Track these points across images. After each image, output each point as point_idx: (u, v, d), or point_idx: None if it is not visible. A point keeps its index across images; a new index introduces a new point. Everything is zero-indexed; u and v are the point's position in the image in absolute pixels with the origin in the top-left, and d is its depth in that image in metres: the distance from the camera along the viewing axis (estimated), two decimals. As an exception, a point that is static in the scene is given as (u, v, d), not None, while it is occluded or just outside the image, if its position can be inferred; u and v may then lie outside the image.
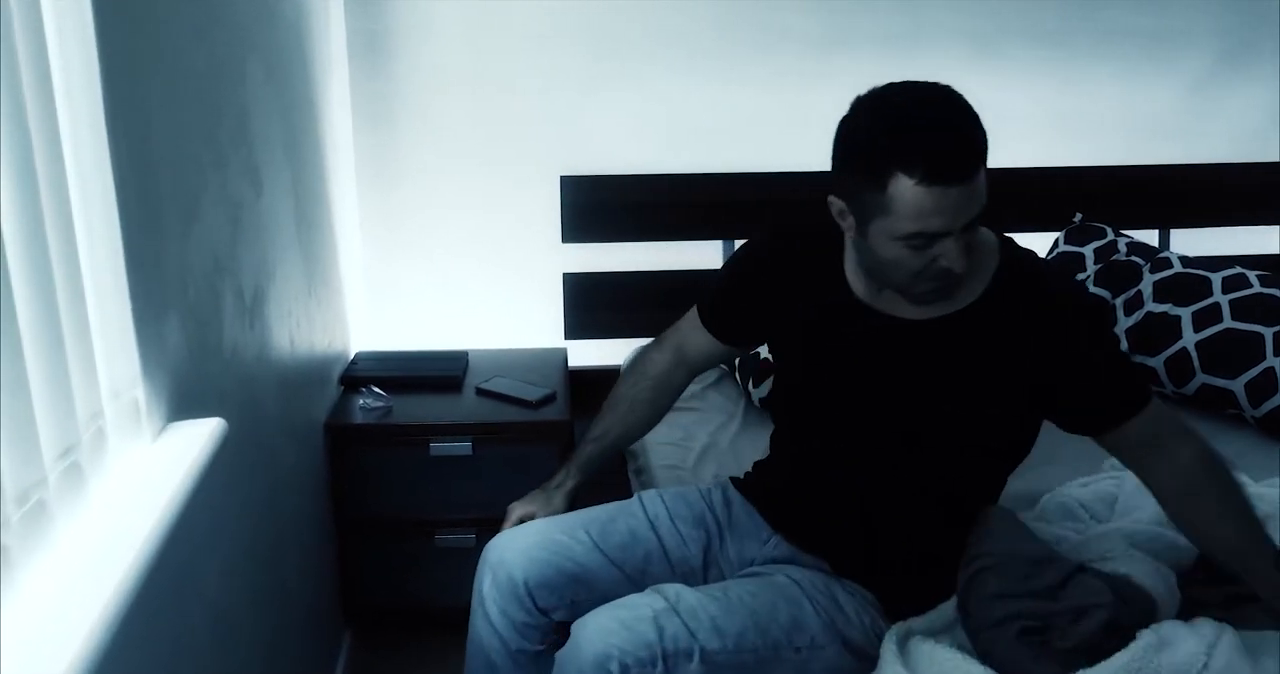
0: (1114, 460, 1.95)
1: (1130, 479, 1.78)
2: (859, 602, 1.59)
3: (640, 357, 1.91)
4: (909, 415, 1.54)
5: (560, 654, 1.49)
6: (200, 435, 1.30)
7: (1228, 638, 1.39)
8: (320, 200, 2.35)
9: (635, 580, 1.65)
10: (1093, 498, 1.78)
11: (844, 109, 1.45)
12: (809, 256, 1.60)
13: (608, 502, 1.78)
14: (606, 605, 1.51)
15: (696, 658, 1.44)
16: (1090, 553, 1.65)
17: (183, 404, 1.38)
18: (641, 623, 1.45)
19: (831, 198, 1.46)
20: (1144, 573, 1.55)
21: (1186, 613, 1.52)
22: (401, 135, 2.68)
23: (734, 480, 1.80)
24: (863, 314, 1.55)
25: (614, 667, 1.42)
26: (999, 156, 2.68)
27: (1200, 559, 1.67)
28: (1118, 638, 1.41)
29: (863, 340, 1.56)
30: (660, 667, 1.43)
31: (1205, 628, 1.43)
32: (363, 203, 2.72)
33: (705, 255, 2.77)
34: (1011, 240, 1.57)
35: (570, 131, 2.71)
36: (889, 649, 1.47)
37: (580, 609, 1.58)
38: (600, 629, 1.45)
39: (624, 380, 1.90)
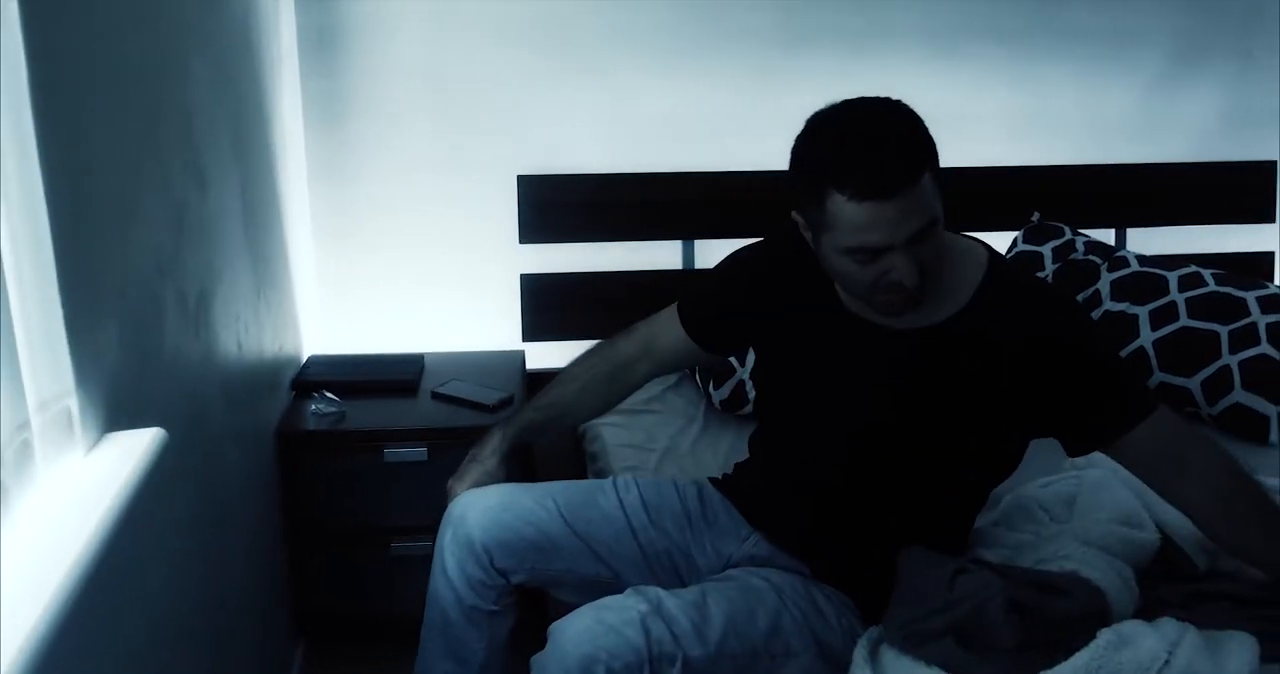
0: (1076, 459, 1.96)
1: (1089, 477, 1.78)
2: (838, 605, 1.59)
3: (605, 342, 1.88)
4: (890, 424, 1.54)
5: (539, 657, 1.47)
6: (138, 446, 1.25)
7: (1190, 637, 1.39)
8: (270, 200, 2.30)
9: (600, 556, 1.65)
10: (1052, 499, 1.77)
11: (804, 108, 1.46)
12: (800, 266, 1.60)
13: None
14: (588, 606, 1.48)
15: (679, 664, 1.43)
16: (1044, 553, 1.64)
17: (121, 414, 1.33)
18: (629, 627, 1.43)
19: (794, 213, 1.49)
20: (1093, 567, 1.55)
21: (1149, 612, 1.52)
22: (354, 134, 2.64)
23: (712, 480, 1.80)
24: (848, 323, 1.56)
25: (600, 670, 1.39)
26: (958, 156, 2.73)
27: (1160, 557, 1.66)
28: (1069, 634, 1.40)
29: (847, 349, 1.56)
30: (645, 671, 1.41)
31: (1167, 627, 1.42)
32: (314, 203, 2.67)
33: (664, 255, 2.75)
34: (999, 254, 1.58)
35: (527, 130, 2.68)
36: (860, 655, 1.47)
37: (539, 576, 1.64)
38: (585, 631, 1.43)
39: (582, 360, 1.87)
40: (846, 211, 1.36)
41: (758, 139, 2.61)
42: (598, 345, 1.88)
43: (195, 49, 1.76)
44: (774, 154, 2.59)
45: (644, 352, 1.83)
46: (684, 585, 1.63)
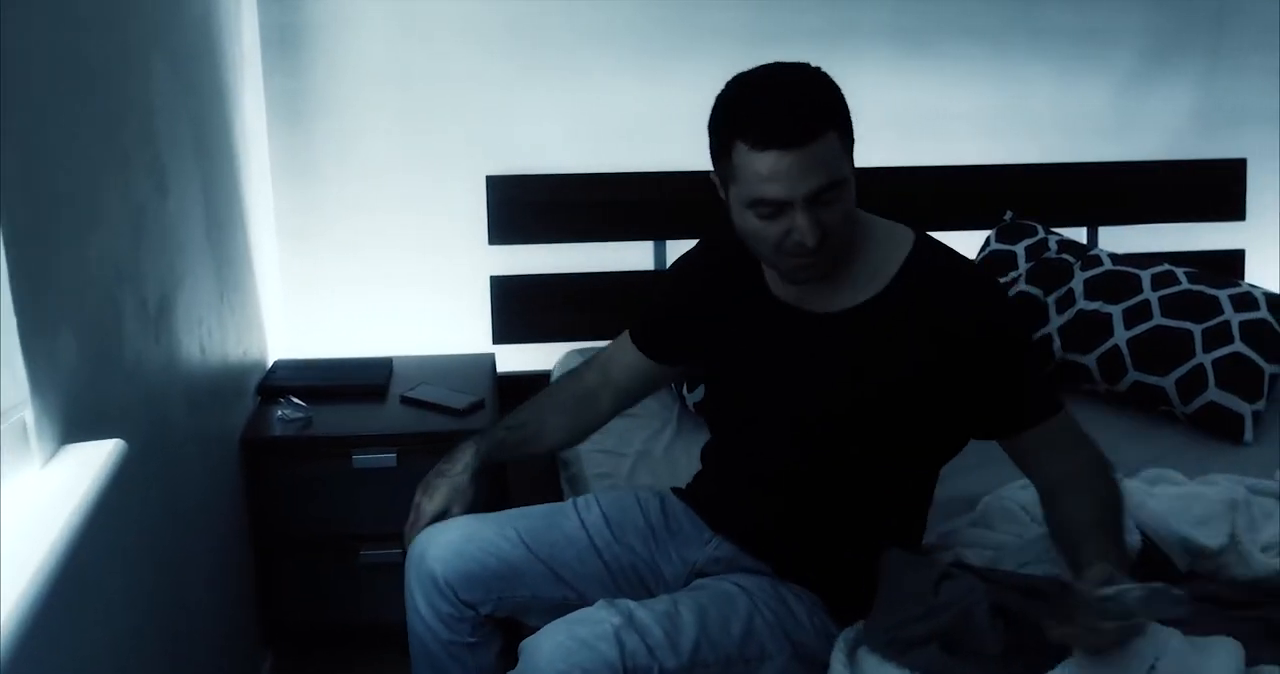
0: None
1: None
2: (809, 605, 1.58)
3: (569, 370, 1.89)
4: (824, 410, 1.54)
5: None
6: (97, 458, 1.20)
7: (1175, 642, 1.37)
8: (233, 202, 2.25)
9: (564, 579, 1.63)
10: (1032, 500, 1.75)
11: None
12: (733, 264, 1.61)
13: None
14: (560, 621, 1.45)
15: None
16: (1026, 557, 1.62)
17: (79, 424, 1.28)
18: (602, 641, 1.40)
19: (711, 172, 1.51)
20: None
21: (1130, 616, 1.50)
22: (319, 134, 2.60)
23: (675, 490, 1.78)
24: (778, 310, 1.57)
25: None
26: (930, 155, 2.74)
27: (1140, 559, 1.65)
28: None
29: (778, 337, 1.57)
30: None
31: (1151, 632, 1.40)
32: (279, 205, 2.63)
33: (636, 256, 2.72)
34: (932, 238, 1.57)
35: (496, 130, 2.65)
36: (838, 659, 1.44)
37: (505, 605, 1.61)
38: (558, 648, 1.40)
39: (550, 388, 1.90)
40: (749, 161, 1.38)
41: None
42: (562, 374, 1.89)
43: (156, 46, 1.72)
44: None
45: (603, 379, 1.82)
46: (646, 594, 1.62)
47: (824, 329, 1.53)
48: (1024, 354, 1.54)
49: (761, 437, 1.61)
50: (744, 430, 1.65)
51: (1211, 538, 1.69)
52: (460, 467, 1.73)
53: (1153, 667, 1.32)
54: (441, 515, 1.69)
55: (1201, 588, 1.63)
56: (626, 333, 1.80)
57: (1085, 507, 1.47)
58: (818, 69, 1.43)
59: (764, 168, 1.38)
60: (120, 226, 1.50)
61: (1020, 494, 1.79)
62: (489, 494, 2.31)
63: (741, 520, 1.65)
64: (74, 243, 1.31)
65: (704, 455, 1.77)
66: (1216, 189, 2.85)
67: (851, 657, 1.45)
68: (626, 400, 1.84)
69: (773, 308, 1.58)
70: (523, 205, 2.63)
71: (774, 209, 1.40)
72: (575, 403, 1.82)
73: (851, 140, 1.44)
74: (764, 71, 1.43)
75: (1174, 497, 1.78)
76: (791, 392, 1.57)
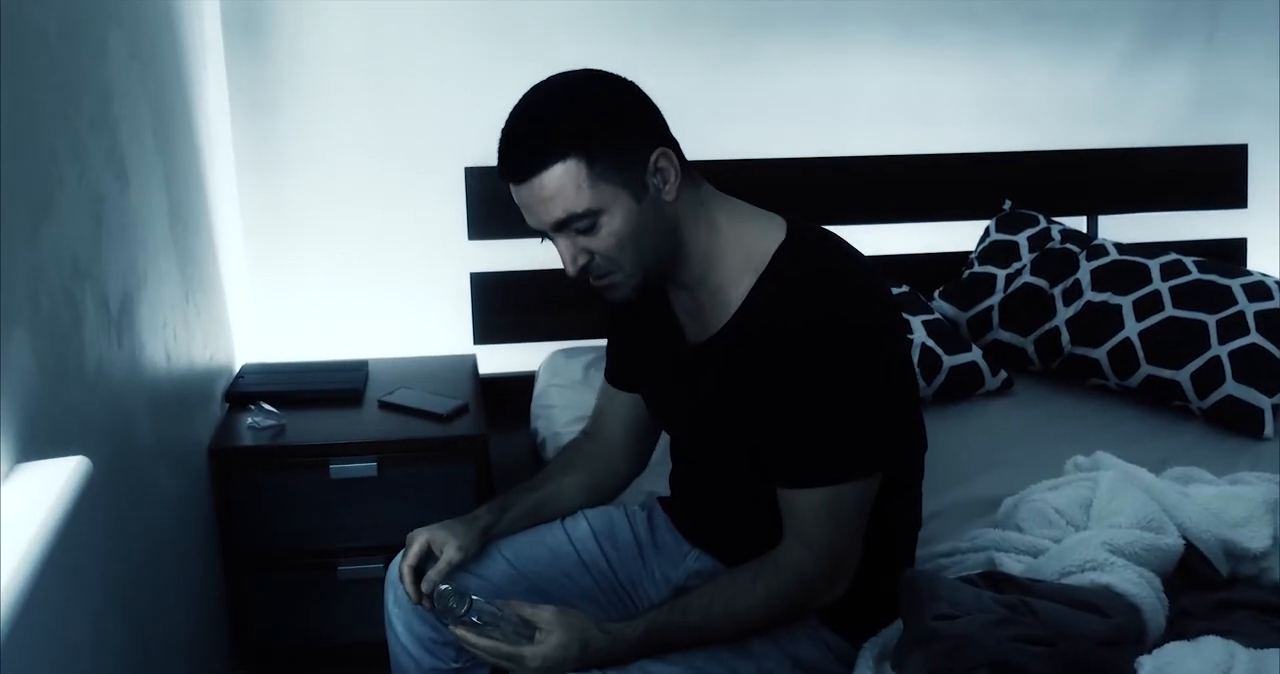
0: (1078, 459, 1.87)
1: (1104, 480, 1.67)
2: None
3: (573, 441, 1.73)
4: (705, 439, 1.50)
5: None
6: (57, 478, 1.07)
7: (1241, 657, 1.28)
8: (197, 196, 2.11)
9: (551, 597, 1.54)
10: (1067, 503, 1.66)
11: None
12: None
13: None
14: None
15: None
16: (1070, 562, 1.52)
17: (36, 438, 1.15)
18: None
19: None
20: (1126, 580, 1.45)
21: (1174, 624, 1.42)
22: (286, 125, 2.49)
23: (661, 499, 1.71)
24: (670, 335, 1.50)
25: None
26: (923, 142, 2.66)
27: (1183, 563, 1.56)
28: (1103, 660, 1.30)
29: (666, 365, 1.52)
30: None
31: (1209, 647, 1.31)
32: (244, 199, 2.50)
33: (622, 251, 2.61)
34: (795, 242, 1.39)
35: (474, 119, 2.45)
36: (864, 672, 1.36)
37: None
38: None
39: (552, 466, 1.71)
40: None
41: (716, 126, 2.52)
42: (560, 452, 1.75)
43: (113, 23, 1.58)
44: (732, 141, 2.51)
45: (603, 437, 1.67)
46: (632, 614, 1.51)
47: (690, 358, 1.46)
48: (827, 408, 1.33)
49: (690, 459, 1.60)
50: (679, 452, 1.63)
51: (1254, 540, 1.60)
52: (474, 514, 1.58)
53: (1224, 683, 1.24)
54: (425, 550, 1.51)
55: (1242, 594, 1.55)
56: (604, 381, 1.68)
57: (748, 589, 1.37)
58: (581, 86, 1.34)
59: (515, 197, 1.35)
60: (77, 216, 1.36)
61: (1051, 496, 1.69)
62: (477, 504, 2.19)
63: (708, 534, 1.60)
64: (26, 235, 1.18)
65: (670, 476, 1.68)
66: (1218, 176, 2.79)
67: (879, 667, 1.37)
68: (638, 448, 1.68)
69: (670, 332, 1.49)
70: (504, 198, 2.43)
71: (541, 235, 1.37)
72: (585, 460, 1.68)
73: (606, 162, 1.29)
74: (524, 95, 1.37)
75: (1211, 497, 1.69)
76: (678, 419, 1.55)
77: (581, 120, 1.30)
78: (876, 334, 1.35)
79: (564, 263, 1.35)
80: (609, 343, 1.67)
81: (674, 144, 1.37)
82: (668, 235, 1.37)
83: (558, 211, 1.30)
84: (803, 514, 1.36)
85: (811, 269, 1.36)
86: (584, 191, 1.29)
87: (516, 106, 1.35)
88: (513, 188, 1.33)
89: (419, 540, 1.50)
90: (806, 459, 1.35)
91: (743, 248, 1.39)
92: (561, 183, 1.29)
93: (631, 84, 1.37)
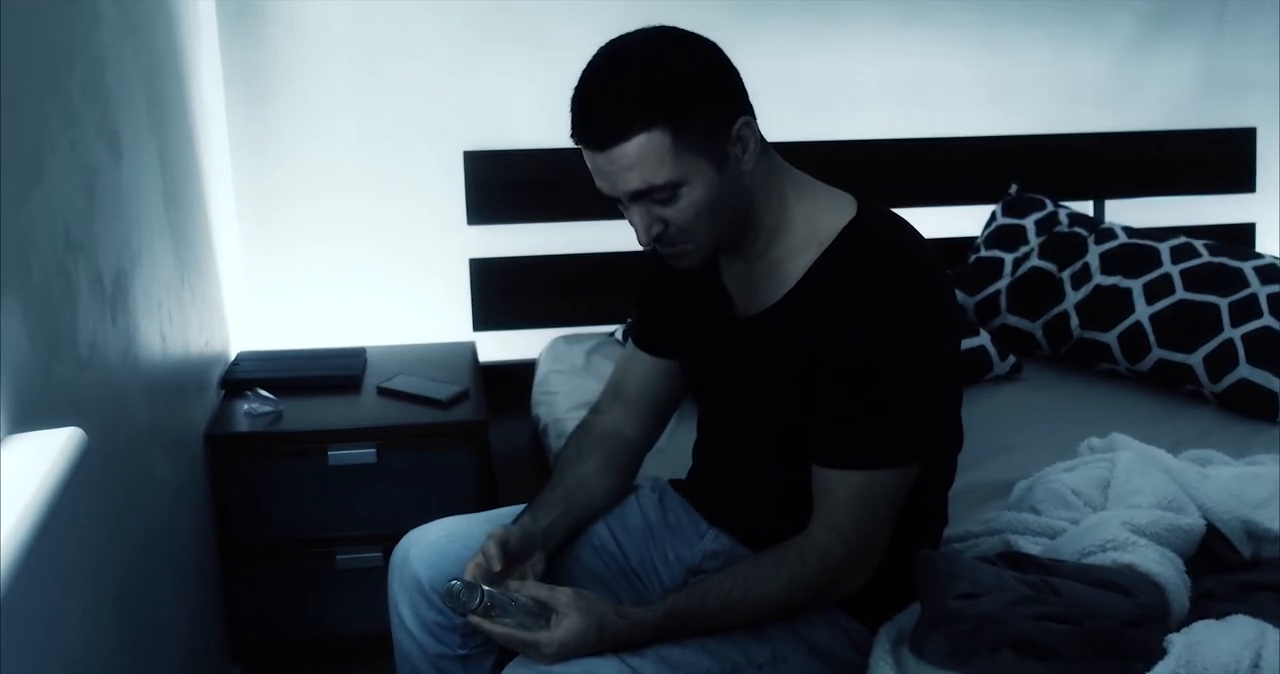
0: (1093, 441, 1.84)
1: (1122, 460, 1.64)
2: None
3: (577, 425, 1.65)
4: (749, 414, 1.45)
5: None
6: (50, 449, 1.02)
7: (1271, 636, 1.25)
8: (191, 178, 2.07)
9: (559, 580, 1.48)
10: (1084, 483, 1.63)
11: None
12: None
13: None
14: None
15: None
16: (1090, 542, 1.49)
17: (27, 412, 1.11)
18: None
19: None
20: (1149, 560, 1.42)
21: (1196, 605, 1.39)
22: (282, 108, 2.45)
23: (673, 482, 1.66)
24: (718, 305, 1.45)
25: None
26: (928, 125, 2.63)
27: (1204, 545, 1.53)
28: (1128, 639, 1.26)
29: (711, 336, 1.47)
30: None
31: (1239, 626, 1.29)
32: (239, 183, 2.46)
33: (623, 236, 2.52)
34: (873, 226, 1.36)
35: (474, 103, 2.52)
36: (883, 661, 1.32)
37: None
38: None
39: (564, 449, 1.63)
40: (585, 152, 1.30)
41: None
42: (573, 431, 1.66)
43: (105, -8, 1.53)
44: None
45: (621, 406, 1.61)
46: (642, 598, 1.51)
47: (742, 330, 1.42)
48: (877, 387, 1.30)
49: (722, 434, 1.54)
50: (710, 424, 1.57)
51: (1275, 521, 1.57)
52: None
53: (1256, 665, 1.21)
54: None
55: (1264, 576, 1.52)
56: (630, 344, 1.63)
57: (770, 574, 1.33)
58: (666, 49, 1.26)
59: (589, 163, 1.28)
60: (69, 185, 1.32)
61: (1067, 477, 1.66)
62: (477, 492, 2.16)
63: (730, 513, 1.56)
64: (17, 198, 1.13)
65: (694, 449, 1.65)
66: (1225, 160, 2.77)
67: (896, 650, 1.33)
68: (655, 416, 1.62)
69: (717, 300, 1.45)
70: (503, 183, 2.51)
71: (614, 202, 1.31)
72: (596, 442, 1.59)
73: (689, 133, 1.24)
74: (601, 52, 1.28)
75: (1231, 478, 1.66)
76: (717, 391, 1.50)
77: (669, 87, 1.23)
78: (937, 316, 1.31)
79: (636, 232, 1.30)
80: (640, 306, 1.61)
81: (753, 112, 1.31)
82: (742, 207, 1.32)
83: (636, 182, 1.25)
84: (836, 498, 1.33)
85: (878, 247, 1.32)
86: (667, 163, 1.24)
87: (594, 65, 1.27)
88: (586, 153, 1.27)
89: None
90: (853, 439, 1.31)
91: (810, 222, 1.35)
92: (644, 153, 1.23)
93: (715, 46, 1.29)
